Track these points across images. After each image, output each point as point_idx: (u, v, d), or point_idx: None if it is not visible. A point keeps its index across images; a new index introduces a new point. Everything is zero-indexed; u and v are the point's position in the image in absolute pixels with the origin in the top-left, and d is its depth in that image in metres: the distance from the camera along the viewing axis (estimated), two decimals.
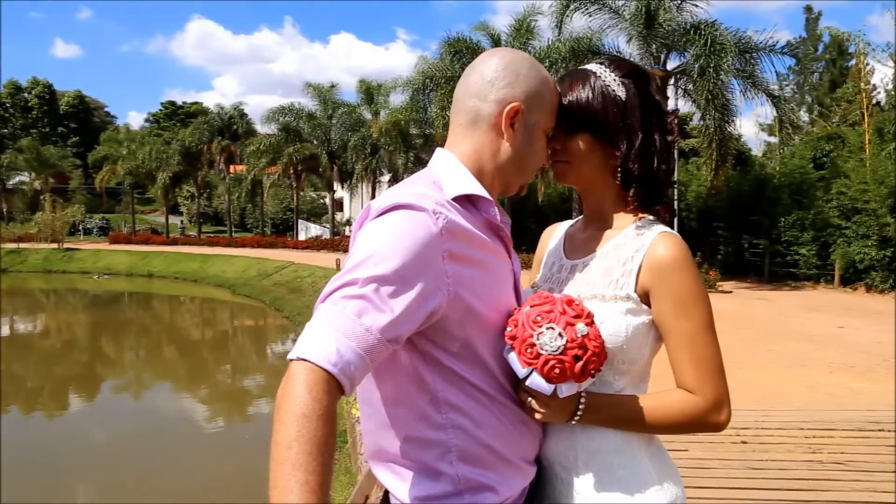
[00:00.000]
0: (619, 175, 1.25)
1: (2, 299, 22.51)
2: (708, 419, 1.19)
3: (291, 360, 0.90)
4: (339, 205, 40.15)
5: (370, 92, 30.21)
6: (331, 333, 0.91)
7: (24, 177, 46.63)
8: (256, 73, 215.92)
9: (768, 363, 6.92)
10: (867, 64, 19.50)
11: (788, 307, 12.05)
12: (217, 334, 18.28)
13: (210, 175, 39.97)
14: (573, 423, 1.18)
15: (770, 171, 19.38)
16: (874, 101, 21.68)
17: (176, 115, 63.92)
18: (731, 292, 15.11)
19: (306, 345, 0.91)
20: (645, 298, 1.20)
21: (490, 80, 1.16)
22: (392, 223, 1.02)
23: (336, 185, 33.27)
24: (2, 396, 10.30)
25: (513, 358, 1.10)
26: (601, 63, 1.28)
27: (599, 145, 1.24)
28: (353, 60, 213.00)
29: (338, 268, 20.72)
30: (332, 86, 31.75)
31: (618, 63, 1.28)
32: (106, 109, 74.21)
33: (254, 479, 6.71)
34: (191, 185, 41.00)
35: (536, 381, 1.08)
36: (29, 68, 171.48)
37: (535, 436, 1.22)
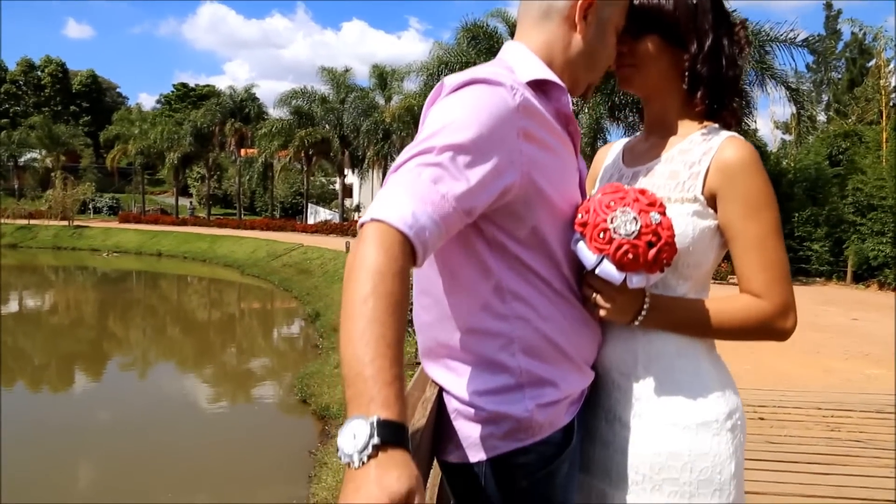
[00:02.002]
0: (686, 78, 1.22)
1: (2, 275, 22.64)
2: (775, 325, 1.17)
3: (363, 223, 0.86)
4: (348, 191, 40.14)
5: (383, 77, 30.11)
6: (406, 198, 0.87)
7: (36, 154, 46.94)
8: (268, 59, 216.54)
9: (784, 349, 6.84)
10: (889, 61, 19.30)
11: (801, 300, 11.67)
12: (225, 315, 18.32)
13: (221, 157, 40.06)
14: (635, 324, 1.16)
15: (785, 166, 19.22)
16: (892, 104, 21.45)
17: (188, 97, 63.96)
18: None
19: (380, 207, 0.86)
20: (711, 202, 1.17)
21: None
22: (469, 95, 0.99)
23: (347, 170, 33.24)
24: (6, 371, 10.33)
25: (582, 247, 1.07)
26: None
27: (668, 47, 1.22)
28: (364, 48, 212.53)
29: (348, 250, 20.72)
30: (346, 70, 31.68)
31: None
32: (118, 90, 74.45)
33: (257, 460, 6.71)
34: (201, 166, 41.11)
35: (607, 269, 1.05)
36: (41, 48, 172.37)
37: (595, 338, 1.19)
